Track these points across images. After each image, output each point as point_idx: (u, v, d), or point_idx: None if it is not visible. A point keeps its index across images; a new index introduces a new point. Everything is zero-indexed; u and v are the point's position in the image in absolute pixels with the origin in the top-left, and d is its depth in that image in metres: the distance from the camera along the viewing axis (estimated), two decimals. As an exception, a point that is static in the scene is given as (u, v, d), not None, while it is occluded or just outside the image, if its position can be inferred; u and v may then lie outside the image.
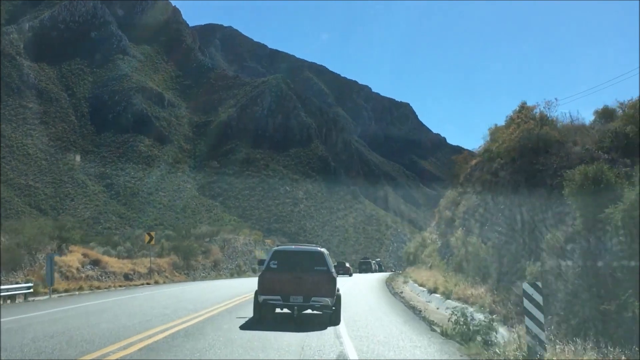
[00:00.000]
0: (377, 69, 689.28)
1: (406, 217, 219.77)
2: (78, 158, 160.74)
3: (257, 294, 19.00)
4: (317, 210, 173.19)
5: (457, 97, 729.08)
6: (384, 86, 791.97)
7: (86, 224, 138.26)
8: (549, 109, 26.36)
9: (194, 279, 52.54)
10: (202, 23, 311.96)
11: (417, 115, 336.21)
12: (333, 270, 19.65)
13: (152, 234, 46.29)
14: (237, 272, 60.30)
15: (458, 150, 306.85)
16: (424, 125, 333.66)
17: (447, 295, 27.15)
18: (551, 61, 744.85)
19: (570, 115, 27.17)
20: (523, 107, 28.06)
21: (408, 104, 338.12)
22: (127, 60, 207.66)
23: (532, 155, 24.91)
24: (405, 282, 42.39)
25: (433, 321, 19.94)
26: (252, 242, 68.29)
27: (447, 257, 36.22)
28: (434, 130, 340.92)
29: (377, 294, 35.09)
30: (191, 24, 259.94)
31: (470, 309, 18.37)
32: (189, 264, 53.99)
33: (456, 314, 16.45)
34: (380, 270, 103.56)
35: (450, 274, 31.16)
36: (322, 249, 20.24)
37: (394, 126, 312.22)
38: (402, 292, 35.51)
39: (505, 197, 27.33)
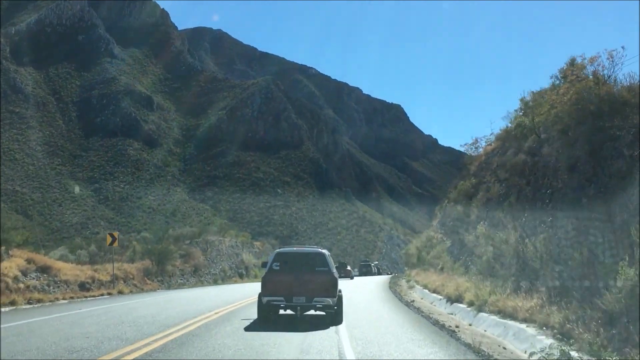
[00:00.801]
0: (367, 70, 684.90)
1: (399, 219, 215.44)
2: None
3: (260, 295, 18.82)
4: (309, 213, 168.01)
5: (449, 99, 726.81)
6: (375, 88, 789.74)
7: (74, 229, 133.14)
8: (612, 62, 19.37)
9: (169, 287, 45.31)
10: (191, 26, 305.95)
11: (408, 117, 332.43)
12: (334, 271, 19.65)
13: (115, 234, 38.15)
14: (222, 278, 51.78)
15: (450, 151, 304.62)
16: (416, 127, 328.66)
17: (478, 307, 20.20)
18: (545, 57, 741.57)
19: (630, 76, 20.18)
20: (574, 62, 21.11)
21: (399, 106, 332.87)
22: (115, 64, 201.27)
23: (595, 121, 18.16)
24: (411, 288, 36.11)
25: (487, 353, 13.09)
26: (239, 244, 59.76)
27: (463, 258, 29.72)
28: (426, 132, 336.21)
29: (386, 304, 28.48)
30: (180, 27, 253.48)
31: (569, 349, 11.46)
32: (163, 270, 46.40)
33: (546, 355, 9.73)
34: (379, 273, 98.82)
35: (475, 278, 24.40)
36: (324, 250, 20.21)
37: (386, 128, 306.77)
38: (413, 301, 28.94)
39: (554, 178, 20.60)
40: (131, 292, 37.99)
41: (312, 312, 19.35)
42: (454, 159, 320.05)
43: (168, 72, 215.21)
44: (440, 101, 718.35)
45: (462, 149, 38.14)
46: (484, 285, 21.87)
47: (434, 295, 28.67)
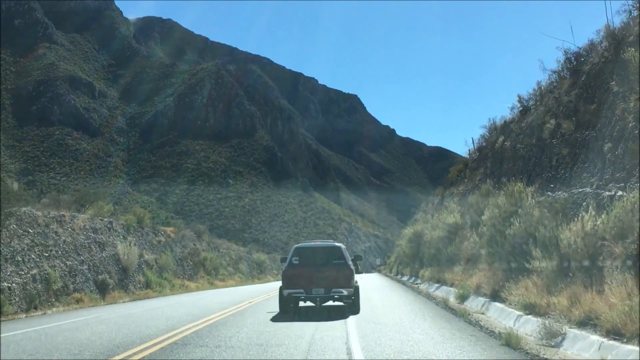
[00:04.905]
0: (323, 60, 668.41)
1: (358, 211, 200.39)
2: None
3: (281, 289, 18.90)
4: (263, 204, 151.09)
5: (406, 89, 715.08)
6: (331, 78, 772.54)
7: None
8: None
9: None
10: (140, 16, 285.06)
11: (365, 107, 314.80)
12: (350, 263, 19.59)
13: None
14: (35, 296, 21.72)
15: (408, 142, 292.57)
16: (373, 117, 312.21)
17: None
18: (495, 52, 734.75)
19: None
20: None
21: (356, 96, 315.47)
22: (54, 49, 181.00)
23: None
24: (552, 339, 10.53)
25: None
26: (119, 228, 33.13)
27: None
28: (383, 123, 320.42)
29: None
30: (129, 16, 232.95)
31: None
32: None
33: None
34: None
35: None
36: (340, 244, 20.33)
37: (342, 119, 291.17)
38: None
39: None
40: None
41: (330, 302, 19.26)
42: (412, 150, 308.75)
43: (112, 58, 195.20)
44: (397, 91, 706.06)
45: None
46: None
47: None
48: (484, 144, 29.29)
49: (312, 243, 21.48)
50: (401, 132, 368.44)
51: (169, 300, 26.91)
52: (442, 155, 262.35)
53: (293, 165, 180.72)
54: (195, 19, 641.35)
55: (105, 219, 31.33)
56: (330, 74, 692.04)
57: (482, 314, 15.14)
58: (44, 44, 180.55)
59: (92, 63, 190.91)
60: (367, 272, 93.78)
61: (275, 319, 16.86)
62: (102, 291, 26.90)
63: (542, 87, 20.02)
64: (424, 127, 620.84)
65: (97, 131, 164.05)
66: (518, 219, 14.58)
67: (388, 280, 46.35)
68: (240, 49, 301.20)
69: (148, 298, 29.29)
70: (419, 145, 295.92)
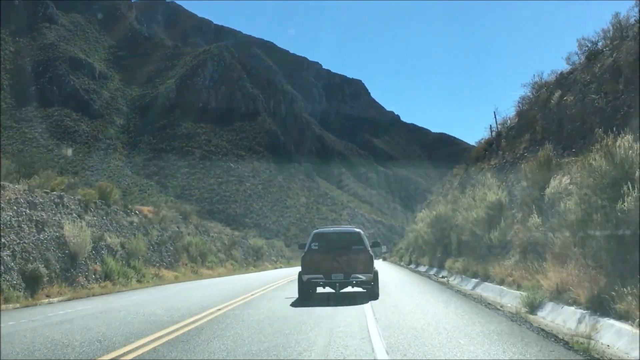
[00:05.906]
0: (327, 45, 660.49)
1: (361, 197, 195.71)
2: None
3: (300, 274, 18.77)
4: (265, 189, 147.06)
5: (412, 74, 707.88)
6: (335, 63, 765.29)
7: None
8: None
9: None
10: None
11: (369, 93, 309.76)
12: (370, 248, 19.39)
13: None
14: None
15: (413, 128, 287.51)
16: (377, 102, 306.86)
17: None
18: (500, 42, 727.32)
19: None
20: None
21: (360, 81, 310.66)
22: (55, 29, 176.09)
23: None
24: None
25: None
26: (76, 204, 27.06)
27: None
28: (387, 108, 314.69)
29: None
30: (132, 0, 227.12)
31: None
32: None
33: None
34: None
35: None
36: (359, 230, 20.18)
37: (346, 104, 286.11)
38: None
39: None
40: None
41: (349, 288, 19.16)
42: (416, 136, 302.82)
43: (113, 39, 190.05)
44: (402, 77, 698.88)
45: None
46: None
47: None
48: (525, 107, 24.14)
49: (332, 228, 21.39)
50: (406, 118, 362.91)
51: (116, 302, 19.02)
52: (447, 142, 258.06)
53: (296, 150, 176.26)
54: (199, 2, 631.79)
55: (54, 193, 24.93)
56: (334, 59, 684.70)
57: (589, 338, 8.55)
58: (44, 23, 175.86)
59: (93, 44, 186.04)
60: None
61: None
62: (33, 286, 20.01)
63: (622, 21, 14.91)
64: (428, 113, 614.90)
65: (97, 113, 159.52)
66: (635, 187, 8.92)
67: (403, 271, 39.79)
68: (244, 32, 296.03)
69: (99, 295, 22.34)
70: (424, 132, 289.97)
